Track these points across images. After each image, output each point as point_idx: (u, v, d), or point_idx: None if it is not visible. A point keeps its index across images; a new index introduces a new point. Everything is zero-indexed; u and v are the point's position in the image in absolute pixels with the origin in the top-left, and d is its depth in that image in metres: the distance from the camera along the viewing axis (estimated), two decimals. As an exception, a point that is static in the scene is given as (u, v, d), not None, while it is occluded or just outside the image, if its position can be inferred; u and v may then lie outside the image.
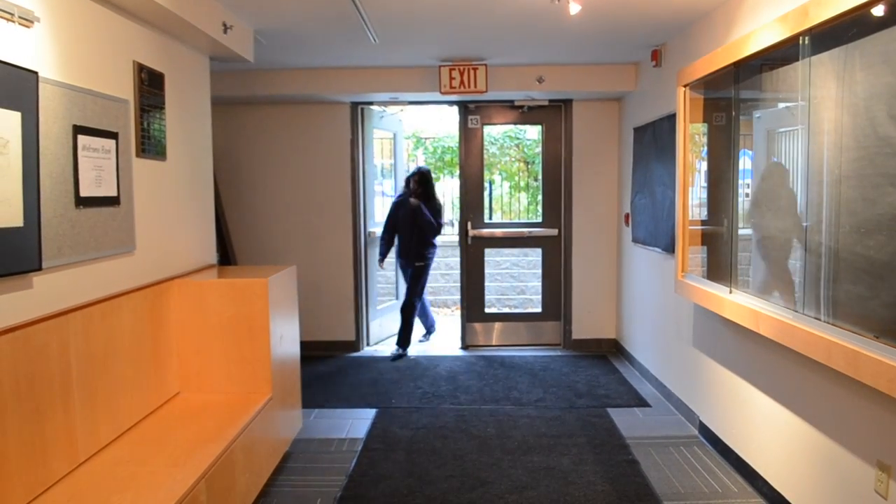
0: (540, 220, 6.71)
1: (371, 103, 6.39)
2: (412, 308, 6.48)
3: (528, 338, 6.67)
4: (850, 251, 2.50)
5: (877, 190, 2.34)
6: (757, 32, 3.11)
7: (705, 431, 4.14)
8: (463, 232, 6.58)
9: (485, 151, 6.72)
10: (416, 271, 6.45)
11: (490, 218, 7.18)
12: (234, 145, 6.24)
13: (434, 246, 6.55)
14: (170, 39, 3.55)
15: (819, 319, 2.67)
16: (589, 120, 6.34)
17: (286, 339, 3.87)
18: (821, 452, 2.89)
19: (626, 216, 5.97)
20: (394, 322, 6.84)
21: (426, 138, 11.05)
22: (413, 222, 6.35)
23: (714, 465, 3.79)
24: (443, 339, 6.99)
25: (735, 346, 3.72)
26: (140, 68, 3.18)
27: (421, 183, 6.37)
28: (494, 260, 8.66)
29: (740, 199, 3.53)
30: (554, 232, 6.57)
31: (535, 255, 8.43)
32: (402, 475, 3.69)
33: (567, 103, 6.37)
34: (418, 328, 6.80)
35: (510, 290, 8.83)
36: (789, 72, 2.96)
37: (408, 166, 7.85)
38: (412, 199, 6.35)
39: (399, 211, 6.43)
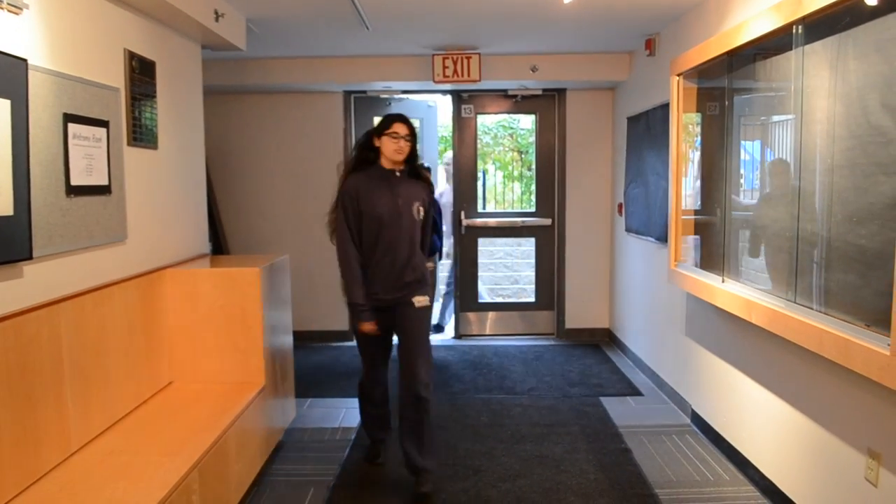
0: (533, 209, 6.71)
1: (364, 92, 6.36)
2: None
3: (521, 327, 6.68)
4: (842, 240, 2.50)
5: (869, 179, 2.34)
6: (750, 21, 3.10)
7: (697, 420, 4.16)
8: (456, 222, 6.57)
9: (478, 141, 6.72)
10: (420, 316, 3.40)
11: (483, 208, 7.15)
12: (226, 134, 6.21)
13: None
14: (161, 27, 3.52)
15: (811, 308, 2.68)
16: (582, 109, 6.33)
17: (279, 328, 3.87)
18: (812, 440, 2.91)
19: (620, 206, 5.97)
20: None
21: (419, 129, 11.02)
22: (402, 216, 3.33)
23: (706, 453, 3.81)
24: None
25: (727, 335, 3.73)
26: (131, 56, 3.15)
27: (413, 136, 3.36)
28: (488, 250, 8.66)
29: (733, 188, 3.53)
30: (547, 221, 6.57)
31: (528, 245, 8.44)
32: (396, 464, 3.69)
33: (561, 92, 6.36)
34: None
35: (504, 280, 8.83)
36: (782, 61, 2.95)
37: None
38: (394, 170, 3.37)
39: (371, 197, 3.31)
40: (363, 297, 3.27)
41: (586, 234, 6.45)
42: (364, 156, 3.37)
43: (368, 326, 3.29)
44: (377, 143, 3.32)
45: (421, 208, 3.39)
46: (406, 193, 3.34)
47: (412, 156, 3.37)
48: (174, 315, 3.50)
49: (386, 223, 3.27)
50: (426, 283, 3.45)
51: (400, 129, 3.29)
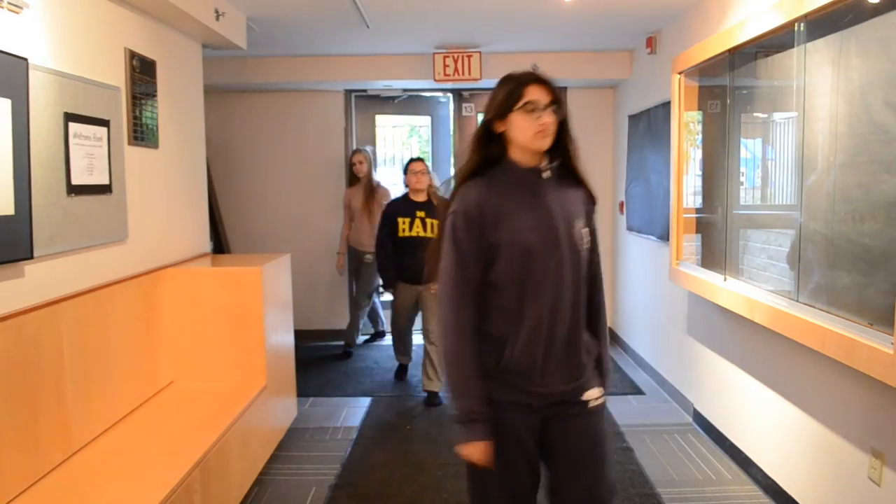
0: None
1: (365, 91, 6.35)
2: None
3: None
4: (845, 238, 2.50)
5: (872, 177, 2.33)
6: (752, 19, 3.09)
7: (699, 419, 4.15)
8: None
9: (479, 140, 6.67)
10: (595, 425, 2.01)
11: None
12: (226, 133, 6.20)
13: None
14: (162, 26, 3.52)
15: (814, 307, 2.67)
16: (583, 108, 6.31)
17: (280, 327, 3.86)
18: (815, 440, 2.90)
19: (621, 204, 5.96)
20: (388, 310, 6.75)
21: (420, 126, 10.99)
22: (560, 246, 1.93)
23: (708, 452, 3.81)
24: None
25: (729, 334, 3.73)
26: (132, 55, 3.15)
27: (561, 108, 1.97)
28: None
29: (735, 187, 3.52)
30: (548, 220, 6.55)
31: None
32: (397, 463, 3.69)
33: (562, 91, 6.33)
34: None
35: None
36: (784, 58, 2.95)
37: (403, 156, 7.39)
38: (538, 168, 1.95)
39: (508, 218, 1.91)
40: (480, 398, 1.86)
41: (587, 232, 6.43)
42: (485, 152, 2.00)
43: (479, 452, 1.91)
44: (501, 128, 1.95)
45: (585, 231, 2.03)
46: (563, 207, 1.96)
47: (563, 141, 1.97)
48: (175, 314, 3.50)
49: (538, 260, 1.88)
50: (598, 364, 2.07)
51: (539, 94, 1.92)
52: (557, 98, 1.94)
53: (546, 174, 1.95)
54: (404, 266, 4.68)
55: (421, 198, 4.73)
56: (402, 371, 5.27)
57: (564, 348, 1.90)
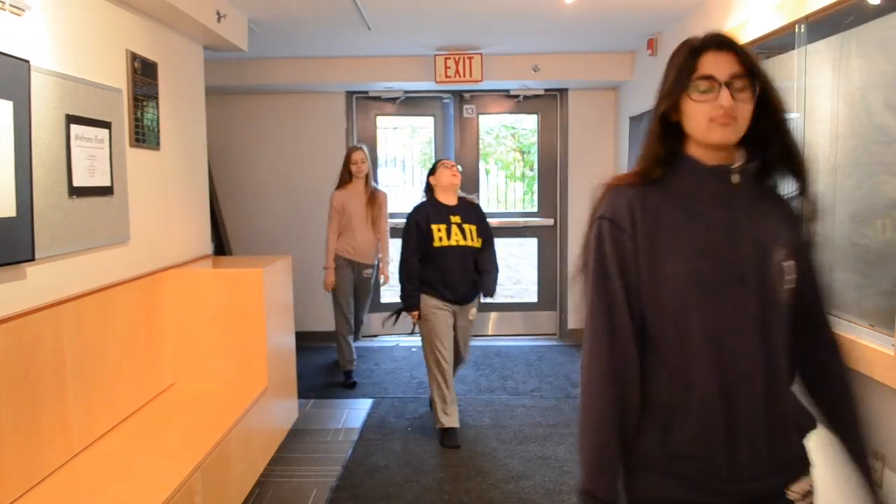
0: (535, 209, 6.70)
1: (366, 92, 6.35)
2: None
3: (523, 328, 6.67)
4: (846, 239, 2.50)
5: (872, 178, 2.34)
6: (753, 20, 3.10)
7: (700, 420, 4.14)
8: (458, 222, 6.49)
9: (480, 141, 6.71)
10: None
11: (485, 207, 7.14)
12: (228, 134, 6.20)
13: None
14: (163, 28, 3.52)
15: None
16: (585, 109, 6.32)
17: (281, 329, 3.87)
18: (815, 441, 2.89)
19: (622, 206, 5.95)
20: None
21: (421, 127, 10.99)
22: (746, 281, 1.34)
23: (709, 453, 3.80)
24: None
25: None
26: (133, 57, 3.15)
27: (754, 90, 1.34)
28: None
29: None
30: (549, 222, 6.56)
31: (530, 245, 8.44)
32: (398, 465, 3.69)
33: (563, 92, 6.35)
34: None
35: (506, 280, 8.83)
36: (785, 60, 2.95)
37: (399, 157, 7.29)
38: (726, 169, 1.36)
39: (675, 236, 1.36)
40: (611, 482, 1.35)
41: (589, 234, 6.42)
42: (664, 147, 1.43)
43: None
44: (677, 117, 1.43)
45: (788, 265, 1.40)
46: (757, 226, 1.38)
47: (768, 131, 1.39)
48: (176, 316, 3.50)
49: (708, 299, 1.34)
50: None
51: (717, 65, 1.34)
52: (749, 68, 1.33)
53: (735, 177, 1.37)
54: (440, 281, 3.95)
55: (452, 201, 4.05)
56: (448, 437, 3.98)
57: (756, 426, 1.37)
